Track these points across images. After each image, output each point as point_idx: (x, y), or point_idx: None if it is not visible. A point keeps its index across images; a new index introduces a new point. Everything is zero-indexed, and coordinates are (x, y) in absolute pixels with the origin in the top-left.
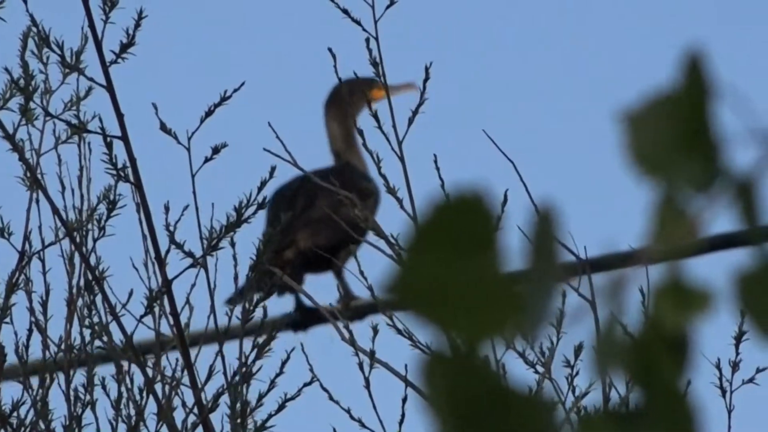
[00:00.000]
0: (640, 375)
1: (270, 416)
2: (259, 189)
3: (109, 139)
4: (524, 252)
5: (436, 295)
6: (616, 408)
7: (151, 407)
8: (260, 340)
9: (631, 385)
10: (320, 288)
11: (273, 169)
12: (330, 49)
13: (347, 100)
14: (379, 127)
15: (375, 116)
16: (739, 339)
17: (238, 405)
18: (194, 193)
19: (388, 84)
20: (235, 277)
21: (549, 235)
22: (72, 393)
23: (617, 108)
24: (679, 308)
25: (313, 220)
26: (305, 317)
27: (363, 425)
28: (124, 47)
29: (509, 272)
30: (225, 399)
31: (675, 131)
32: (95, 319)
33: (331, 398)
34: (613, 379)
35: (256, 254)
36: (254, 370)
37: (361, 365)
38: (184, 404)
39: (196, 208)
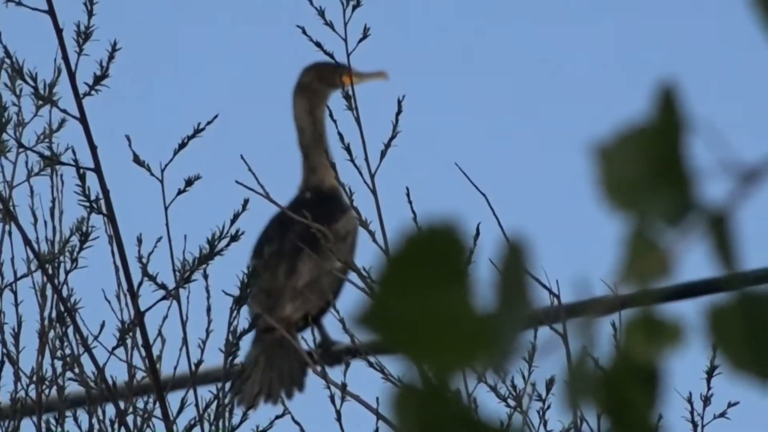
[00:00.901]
0: (611, 407)
1: None
2: (232, 221)
3: (82, 171)
4: (495, 285)
5: (406, 327)
6: None
7: None
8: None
9: (602, 418)
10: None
11: (246, 201)
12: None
13: (315, 87)
14: (352, 161)
15: (347, 149)
16: (710, 374)
17: None
18: (167, 225)
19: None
20: (208, 310)
21: (520, 267)
22: (44, 425)
23: (590, 141)
24: (650, 341)
25: (299, 289)
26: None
27: None
28: (98, 79)
29: (480, 305)
30: (197, 431)
31: (647, 165)
32: (67, 351)
33: (302, 431)
34: (584, 411)
35: (240, 288)
36: (227, 402)
37: (332, 398)
38: None
39: (169, 240)
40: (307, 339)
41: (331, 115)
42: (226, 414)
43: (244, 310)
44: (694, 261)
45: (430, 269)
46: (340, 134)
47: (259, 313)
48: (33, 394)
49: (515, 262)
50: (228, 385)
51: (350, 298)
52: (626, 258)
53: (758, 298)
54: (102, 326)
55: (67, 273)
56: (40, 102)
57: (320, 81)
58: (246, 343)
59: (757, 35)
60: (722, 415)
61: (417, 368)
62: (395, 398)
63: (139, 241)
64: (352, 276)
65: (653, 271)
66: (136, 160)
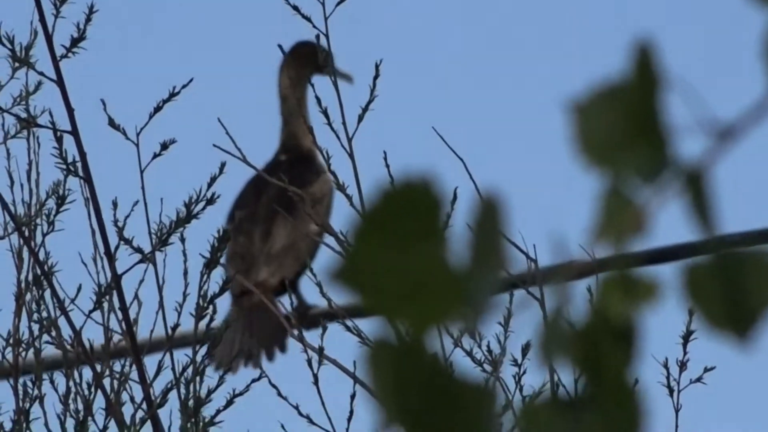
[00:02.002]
0: (586, 363)
1: (218, 412)
2: (209, 184)
3: (59, 133)
4: (469, 241)
5: (381, 283)
6: (562, 397)
7: (100, 402)
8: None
9: (577, 375)
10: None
11: (223, 165)
12: (280, 46)
13: (305, 63)
14: (329, 124)
15: (325, 113)
16: (686, 338)
17: (191, 401)
18: (143, 188)
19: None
20: (185, 273)
21: (494, 224)
22: (20, 388)
23: (567, 98)
24: (626, 298)
25: (275, 254)
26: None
27: (311, 422)
28: (75, 42)
29: (455, 262)
30: (174, 394)
31: (624, 121)
32: (44, 314)
33: (279, 394)
34: (558, 369)
35: (210, 252)
36: (204, 365)
37: (309, 362)
38: (132, 399)
39: (145, 204)
40: (284, 303)
41: (297, 77)
42: (203, 377)
43: (219, 273)
44: (670, 225)
45: (405, 225)
46: (317, 98)
47: (234, 278)
48: (10, 357)
49: (489, 220)
50: (201, 349)
51: (326, 261)
52: (602, 215)
53: (734, 257)
54: (79, 289)
55: (44, 236)
56: (17, 64)
57: (309, 59)
58: (220, 307)
59: None
60: (698, 380)
61: (391, 325)
62: (370, 355)
63: (115, 204)
64: (329, 239)
65: (629, 228)
66: (112, 123)
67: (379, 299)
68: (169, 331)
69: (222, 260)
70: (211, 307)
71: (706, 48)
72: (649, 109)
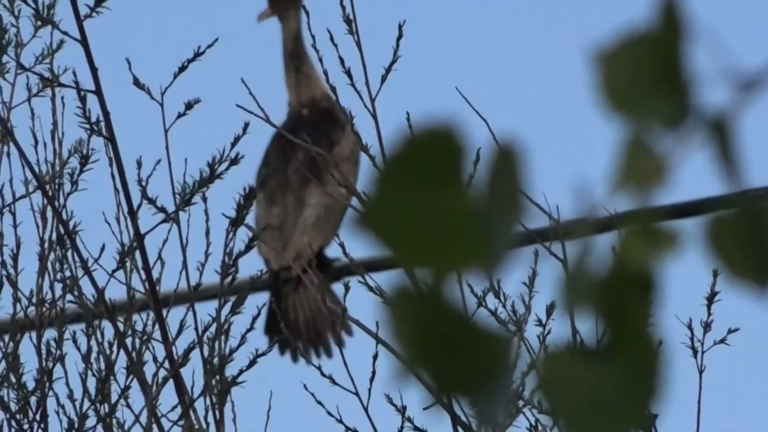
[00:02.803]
0: (607, 313)
1: (241, 372)
2: (233, 145)
3: (82, 93)
4: (488, 188)
5: (401, 228)
6: (582, 347)
7: (122, 361)
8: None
9: (598, 324)
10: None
11: (246, 125)
12: (303, 6)
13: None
14: (352, 84)
15: (348, 73)
16: (710, 300)
17: (216, 359)
18: (167, 148)
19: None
20: (207, 233)
21: (513, 170)
22: (43, 347)
23: (591, 47)
24: (647, 247)
25: (310, 225)
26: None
27: (334, 381)
28: (99, 1)
29: (476, 208)
30: (196, 353)
31: (647, 70)
32: (67, 274)
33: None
34: (579, 319)
35: (236, 210)
36: (226, 325)
37: (333, 323)
38: (155, 359)
39: (169, 164)
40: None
41: (332, 39)
42: (224, 336)
43: (244, 232)
44: (695, 178)
45: (426, 171)
46: (340, 58)
47: (271, 254)
48: (33, 315)
49: (509, 167)
50: (225, 307)
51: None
52: (623, 164)
53: (758, 208)
54: (102, 249)
55: (67, 195)
56: (40, 23)
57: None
58: (244, 265)
59: None
60: (722, 341)
61: (411, 273)
62: (390, 302)
63: (139, 164)
64: (354, 201)
65: (650, 178)
66: (136, 83)
67: (399, 245)
68: (191, 290)
69: (250, 222)
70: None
71: None
72: (674, 58)
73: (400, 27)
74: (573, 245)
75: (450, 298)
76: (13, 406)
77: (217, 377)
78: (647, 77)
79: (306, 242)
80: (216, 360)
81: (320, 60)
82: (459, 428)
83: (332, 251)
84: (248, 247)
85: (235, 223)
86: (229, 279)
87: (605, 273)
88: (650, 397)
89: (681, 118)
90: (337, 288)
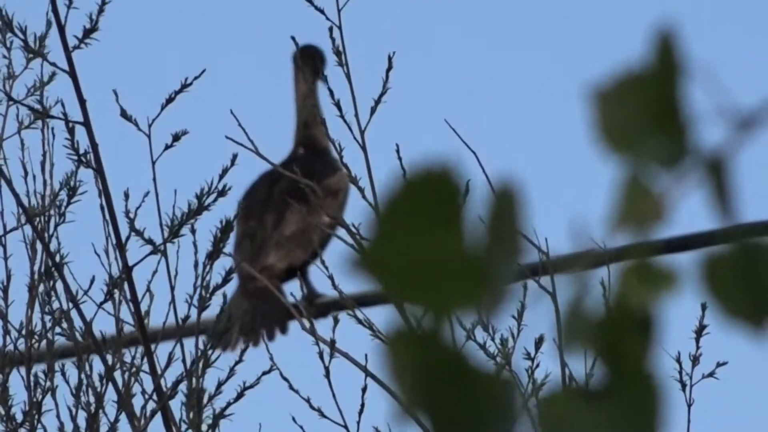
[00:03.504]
0: (605, 352)
1: (229, 404)
2: (221, 176)
3: (71, 124)
4: (486, 228)
5: (400, 269)
6: (580, 386)
7: (111, 394)
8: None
9: (594, 364)
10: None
11: (234, 157)
12: (293, 38)
13: (318, 61)
14: (342, 116)
15: (337, 105)
16: (699, 333)
17: (205, 393)
18: (155, 180)
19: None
20: (195, 265)
21: (510, 210)
22: (32, 379)
23: (587, 85)
24: (644, 286)
25: (286, 238)
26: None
27: (323, 414)
28: (87, 33)
29: (473, 248)
30: (184, 386)
31: (645, 109)
32: (56, 306)
33: (291, 387)
34: (572, 358)
35: (213, 243)
36: (213, 357)
37: (321, 355)
38: (143, 391)
39: (157, 195)
40: (293, 292)
41: (316, 74)
42: (209, 368)
43: (222, 264)
44: (691, 215)
45: (425, 211)
46: (330, 90)
47: (241, 262)
48: (22, 347)
49: (506, 207)
50: (203, 339)
51: (339, 253)
52: (621, 203)
53: (753, 246)
54: (91, 281)
55: (56, 227)
56: (30, 55)
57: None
58: (225, 296)
59: None
60: (711, 374)
61: (408, 313)
62: (388, 342)
63: (127, 195)
64: (341, 232)
65: (648, 217)
66: (124, 114)
67: (398, 285)
68: (180, 322)
69: (227, 249)
70: (213, 297)
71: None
72: (670, 97)
73: (389, 59)
74: (569, 283)
75: (449, 339)
76: None
77: (200, 409)
78: (644, 116)
79: (277, 256)
80: (203, 395)
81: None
82: None
83: (321, 286)
84: (225, 280)
85: (212, 256)
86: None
87: (603, 311)
88: None
89: (678, 157)
90: (326, 325)
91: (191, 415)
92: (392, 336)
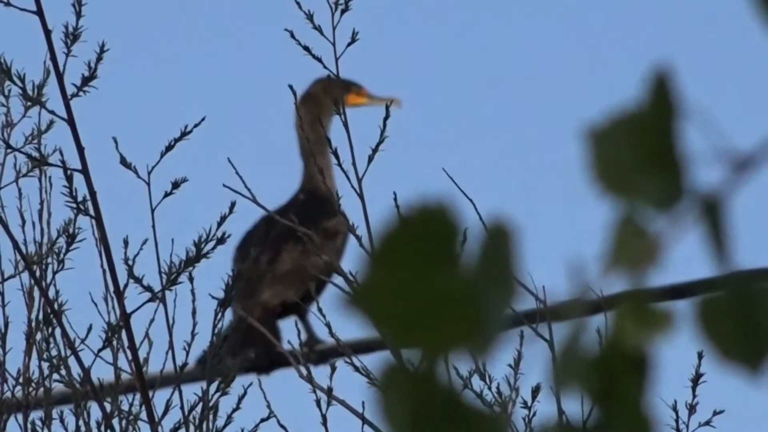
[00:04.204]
0: (601, 394)
1: None
2: (219, 224)
3: (69, 172)
4: (482, 269)
5: (395, 308)
6: (577, 424)
7: None
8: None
9: (589, 404)
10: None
11: (233, 204)
12: (291, 87)
13: (320, 100)
14: (339, 165)
15: (335, 153)
16: (695, 382)
17: None
18: (153, 227)
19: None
20: (193, 312)
21: (506, 251)
22: (29, 426)
23: (582, 126)
24: (640, 327)
25: (280, 275)
26: (273, 362)
27: None
28: (86, 80)
29: (470, 288)
30: None
31: (640, 150)
32: (53, 353)
33: None
34: (570, 397)
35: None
36: (212, 405)
37: (318, 402)
38: None
39: (156, 243)
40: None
41: (320, 121)
42: (211, 416)
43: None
44: (687, 258)
45: (420, 251)
46: (328, 138)
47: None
48: (19, 394)
49: (502, 248)
50: (212, 388)
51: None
52: (615, 245)
53: (748, 290)
54: (89, 329)
55: (54, 274)
56: (29, 103)
57: (326, 94)
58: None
59: (751, 22)
60: (707, 423)
61: (403, 353)
62: (382, 382)
63: (126, 243)
64: (338, 280)
65: (642, 259)
66: (123, 162)
67: (392, 325)
68: (178, 369)
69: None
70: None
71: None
72: (666, 138)
73: (387, 107)
74: (565, 326)
75: (443, 379)
76: None
77: None
78: (640, 157)
79: (271, 292)
80: None
81: (308, 141)
82: None
83: (319, 332)
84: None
85: (223, 304)
86: (215, 361)
87: (598, 353)
88: None
89: (674, 198)
90: (323, 373)
91: None
92: (386, 374)
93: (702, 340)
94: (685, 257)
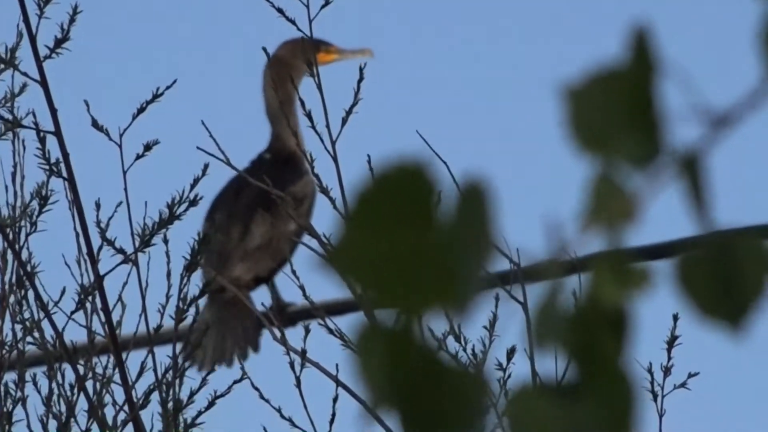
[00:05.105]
0: (579, 350)
1: (200, 413)
2: (192, 186)
3: (42, 134)
4: (458, 227)
5: (372, 268)
6: (553, 383)
7: (82, 404)
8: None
9: (565, 363)
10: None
11: (206, 166)
12: (264, 49)
13: (290, 62)
14: (313, 127)
15: (309, 116)
16: (671, 344)
17: (170, 402)
18: (126, 189)
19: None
20: (168, 274)
21: (482, 210)
22: (2, 389)
23: (560, 83)
24: (618, 285)
25: (251, 250)
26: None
27: (293, 424)
28: (59, 42)
29: (445, 247)
30: (155, 396)
31: (618, 107)
32: (27, 316)
33: (261, 397)
34: (547, 358)
35: (191, 255)
36: (185, 367)
37: (292, 364)
38: (114, 402)
39: (128, 205)
40: (262, 301)
41: (292, 82)
42: (184, 379)
43: (198, 275)
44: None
45: (397, 210)
46: (301, 101)
47: (210, 275)
48: None
49: (477, 205)
50: (181, 350)
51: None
52: (592, 202)
53: (726, 246)
54: (62, 292)
55: (27, 236)
56: (1, 65)
57: (295, 56)
58: (200, 307)
59: None
60: (682, 385)
61: (378, 312)
62: (359, 340)
63: (98, 205)
64: (309, 240)
65: (620, 216)
66: (95, 124)
67: (369, 284)
68: (152, 332)
69: (201, 261)
70: (191, 308)
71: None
72: (644, 95)
73: (360, 69)
74: (542, 285)
75: (420, 339)
76: None
77: (171, 419)
78: (617, 114)
79: (244, 268)
80: (171, 404)
81: (281, 104)
82: None
83: (289, 294)
84: (203, 292)
85: (189, 267)
86: (189, 322)
87: (576, 311)
88: None
89: (651, 155)
90: (296, 335)
91: (169, 426)
92: (363, 334)
93: (682, 299)
94: (665, 217)
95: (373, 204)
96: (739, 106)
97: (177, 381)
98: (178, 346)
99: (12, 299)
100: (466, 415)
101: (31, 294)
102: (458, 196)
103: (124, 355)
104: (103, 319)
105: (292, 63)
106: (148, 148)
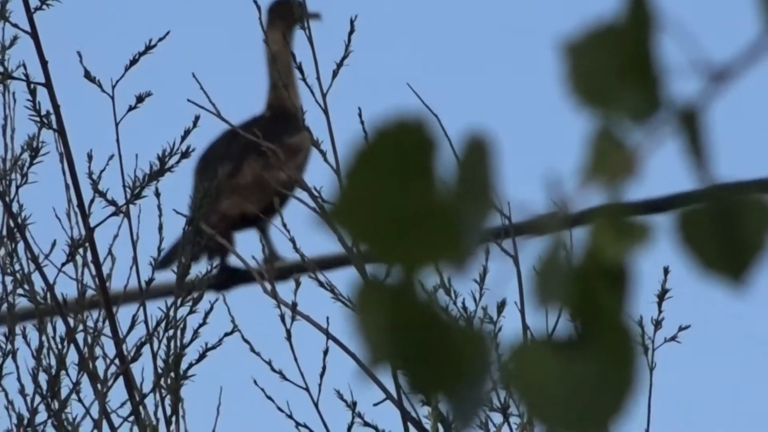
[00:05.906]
0: (579, 306)
1: (190, 365)
2: (183, 138)
3: (32, 85)
4: (458, 181)
5: (373, 221)
6: (555, 337)
7: (73, 357)
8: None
9: (555, 325)
10: (243, 246)
11: (197, 119)
12: (255, 1)
13: (285, 17)
14: (304, 80)
15: (299, 68)
16: (661, 297)
17: (163, 356)
18: (118, 141)
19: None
20: (160, 228)
21: (482, 163)
22: None
23: (559, 38)
24: (618, 239)
25: (241, 186)
26: (229, 277)
27: (284, 377)
28: None
29: (446, 201)
30: (146, 349)
31: (616, 61)
32: (17, 268)
33: (252, 350)
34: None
35: (191, 212)
36: (180, 323)
37: (282, 317)
38: (105, 355)
39: (120, 157)
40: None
41: (283, 36)
42: (177, 332)
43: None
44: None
45: (398, 163)
46: (292, 53)
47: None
48: None
49: (479, 160)
50: (179, 303)
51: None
52: (592, 157)
53: (728, 200)
54: (53, 244)
55: (17, 188)
56: None
57: (289, 19)
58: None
59: None
60: (673, 338)
61: (372, 266)
62: (358, 297)
63: (90, 157)
64: (303, 195)
65: (620, 171)
66: (87, 75)
67: (371, 239)
68: (143, 285)
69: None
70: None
71: None
72: (643, 50)
73: (351, 22)
74: (542, 240)
75: (421, 293)
76: None
77: (162, 371)
78: (616, 69)
79: (232, 203)
80: (168, 355)
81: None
82: (410, 425)
83: (282, 249)
84: (196, 256)
85: (191, 223)
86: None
87: (577, 266)
88: (627, 389)
89: (651, 110)
90: (287, 287)
91: (164, 377)
92: (362, 290)
93: (683, 253)
94: (665, 171)
95: (373, 160)
96: (739, 60)
97: (168, 334)
98: (173, 300)
99: (2, 252)
100: (469, 371)
101: (21, 246)
102: (460, 150)
103: (114, 308)
104: (93, 271)
105: (289, 21)
106: (140, 99)
